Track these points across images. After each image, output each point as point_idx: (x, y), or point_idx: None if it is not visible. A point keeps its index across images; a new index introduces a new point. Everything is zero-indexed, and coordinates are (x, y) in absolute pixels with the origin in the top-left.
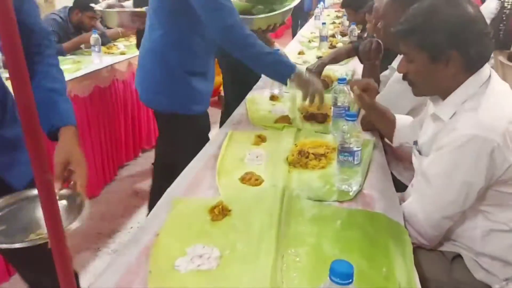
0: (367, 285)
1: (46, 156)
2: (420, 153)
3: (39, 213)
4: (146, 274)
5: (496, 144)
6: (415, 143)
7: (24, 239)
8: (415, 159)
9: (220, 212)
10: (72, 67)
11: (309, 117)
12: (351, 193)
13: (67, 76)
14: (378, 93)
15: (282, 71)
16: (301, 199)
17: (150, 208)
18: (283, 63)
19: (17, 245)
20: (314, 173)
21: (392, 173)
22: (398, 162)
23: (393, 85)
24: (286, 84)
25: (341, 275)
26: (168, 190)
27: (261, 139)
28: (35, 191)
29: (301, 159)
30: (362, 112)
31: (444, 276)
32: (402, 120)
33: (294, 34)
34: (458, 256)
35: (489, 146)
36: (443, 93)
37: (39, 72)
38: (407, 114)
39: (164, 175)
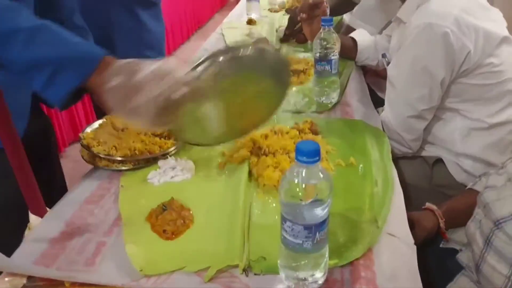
0: (344, 183)
1: None
2: (388, 64)
3: None
4: (117, 189)
5: (448, 30)
6: (383, 55)
7: None
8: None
9: None
10: None
11: (288, 38)
12: (329, 104)
13: None
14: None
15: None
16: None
17: None
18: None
19: None
20: (292, 89)
21: (374, 90)
22: (379, 80)
23: None
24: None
25: (308, 153)
26: None
27: None
28: None
29: None
30: None
31: (425, 182)
32: (363, 42)
33: None
34: (439, 160)
35: (440, 31)
36: None
37: None
38: (384, 27)
39: None
